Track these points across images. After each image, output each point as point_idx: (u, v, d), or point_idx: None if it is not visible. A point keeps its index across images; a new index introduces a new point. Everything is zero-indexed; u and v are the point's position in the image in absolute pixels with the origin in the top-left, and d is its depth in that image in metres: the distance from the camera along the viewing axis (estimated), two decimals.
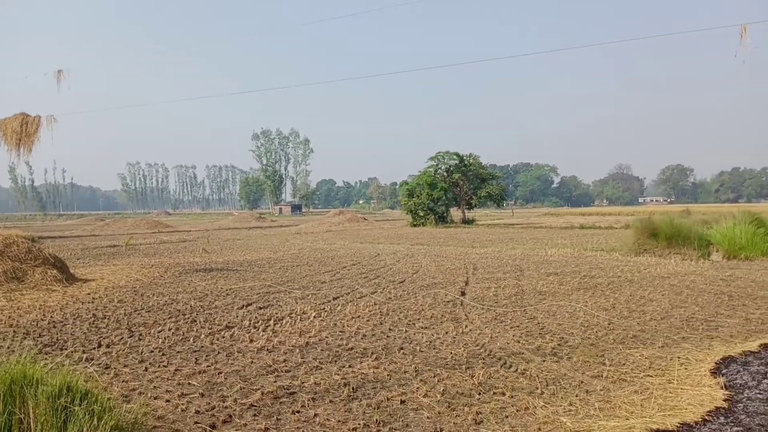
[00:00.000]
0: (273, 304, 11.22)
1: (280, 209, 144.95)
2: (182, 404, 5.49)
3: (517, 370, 6.66)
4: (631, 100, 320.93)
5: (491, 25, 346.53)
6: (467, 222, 53.15)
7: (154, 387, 6.05)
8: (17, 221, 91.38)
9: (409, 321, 9.48)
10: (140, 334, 8.61)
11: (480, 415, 5.23)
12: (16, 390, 4.31)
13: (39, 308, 10.86)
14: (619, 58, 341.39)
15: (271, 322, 9.46)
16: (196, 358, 7.23)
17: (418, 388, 6.00)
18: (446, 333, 8.59)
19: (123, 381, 6.25)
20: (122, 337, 8.40)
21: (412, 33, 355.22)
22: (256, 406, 5.49)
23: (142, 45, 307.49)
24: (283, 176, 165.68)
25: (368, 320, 9.53)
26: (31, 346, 7.71)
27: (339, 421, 5.13)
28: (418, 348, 7.69)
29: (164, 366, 6.88)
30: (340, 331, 8.73)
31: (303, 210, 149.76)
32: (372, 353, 7.41)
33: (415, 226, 50.61)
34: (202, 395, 5.77)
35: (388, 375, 6.47)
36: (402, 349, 7.66)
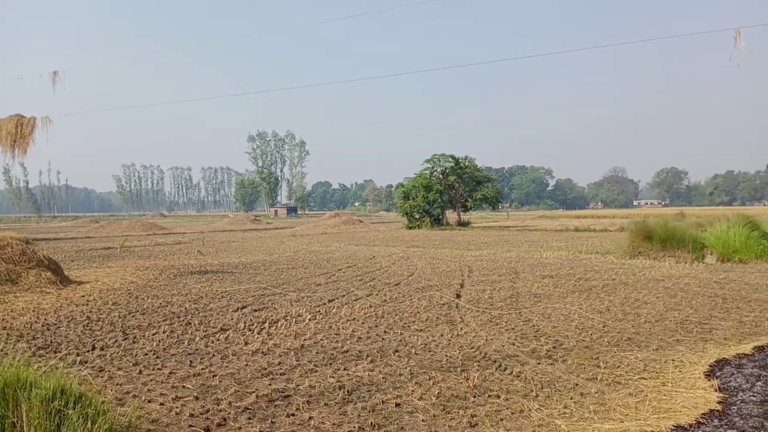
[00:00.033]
0: (268, 306, 11.20)
1: (276, 211, 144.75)
2: (176, 407, 5.47)
3: (512, 372, 6.67)
4: (626, 102, 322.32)
5: (488, 27, 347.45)
6: (463, 224, 53.18)
7: (149, 390, 6.03)
8: (11, 223, 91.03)
9: (405, 323, 9.48)
10: (135, 337, 8.58)
11: (475, 418, 5.23)
12: (9, 393, 4.29)
13: (33, 310, 10.82)
14: (614, 60, 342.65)
15: (266, 324, 9.44)
16: (190, 361, 7.21)
17: (413, 390, 6.00)
18: (441, 335, 8.60)
19: (117, 384, 6.23)
20: (116, 340, 8.37)
21: (409, 35, 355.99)
22: (250, 409, 5.48)
23: (138, 46, 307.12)
24: (279, 178, 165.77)
25: (363, 323, 9.52)
26: (24, 348, 7.69)
27: (334, 424, 5.12)
28: (413, 350, 7.69)
29: (158, 369, 6.86)
30: (336, 334, 8.72)
31: (298, 212, 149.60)
32: (367, 356, 7.41)
33: (410, 228, 50.62)
34: (197, 398, 5.76)
35: (383, 378, 6.47)
36: (397, 351, 7.65)
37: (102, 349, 7.86)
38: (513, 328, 9.03)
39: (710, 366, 6.86)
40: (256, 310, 10.76)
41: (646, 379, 6.40)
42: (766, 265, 17.30)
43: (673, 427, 4.99)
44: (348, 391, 5.96)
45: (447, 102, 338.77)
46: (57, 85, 20.19)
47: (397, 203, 58.13)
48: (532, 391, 5.99)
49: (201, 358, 7.36)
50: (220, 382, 6.33)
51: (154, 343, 8.15)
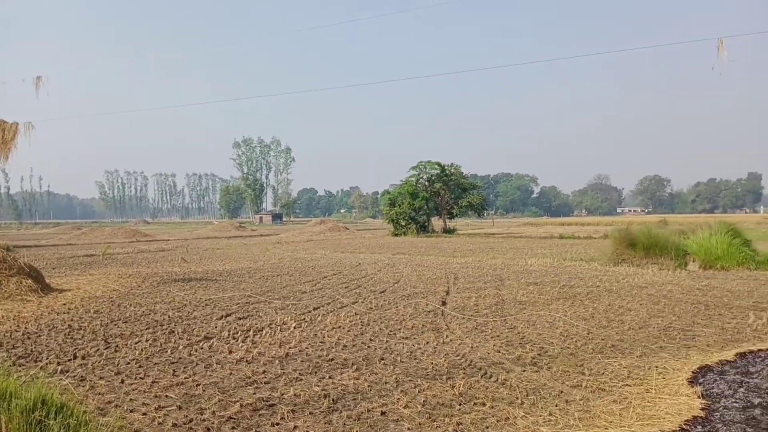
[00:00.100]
0: (252, 314, 11.13)
1: (261, 218, 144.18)
2: (159, 417, 5.41)
3: (497, 380, 6.68)
4: (610, 111, 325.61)
5: (473, 36, 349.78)
6: (448, 231, 53.33)
7: (131, 399, 5.95)
8: None
9: (390, 331, 9.46)
10: (117, 346, 8.47)
11: (461, 426, 5.22)
12: None
13: (13, 319, 10.65)
14: (599, 69, 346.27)
15: (251, 332, 9.37)
16: (173, 370, 7.13)
17: (398, 399, 5.98)
18: (427, 343, 8.59)
19: (99, 393, 6.14)
20: (98, 349, 8.26)
21: (396, 42, 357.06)
22: (234, 418, 5.43)
23: (122, 52, 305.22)
24: (264, 185, 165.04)
25: (349, 330, 9.49)
26: (4, 357, 7.58)
27: None
28: (398, 358, 7.67)
29: (141, 378, 6.78)
30: (321, 342, 8.68)
31: (284, 219, 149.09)
32: (352, 364, 7.38)
33: (396, 235, 50.68)
34: (180, 408, 5.69)
35: (368, 386, 6.44)
36: (383, 359, 7.63)
37: (83, 358, 7.75)
38: (498, 336, 9.04)
39: (693, 372, 6.92)
40: (240, 318, 10.68)
41: (630, 385, 6.44)
42: (748, 272, 17.51)
43: None
44: (333, 400, 5.93)
45: (433, 109, 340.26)
46: (40, 90, 19.99)
47: (383, 210, 58.19)
48: (517, 398, 6.00)
49: (184, 367, 7.29)
50: (204, 391, 6.26)
51: (137, 352, 8.06)
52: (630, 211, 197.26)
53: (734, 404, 5.80)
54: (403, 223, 51.87)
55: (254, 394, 6.14)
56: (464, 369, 7.16)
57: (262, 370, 7.14)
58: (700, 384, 6.45)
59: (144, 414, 5.50)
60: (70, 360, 7.63)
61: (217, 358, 7.72)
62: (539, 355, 7.85)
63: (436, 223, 56.13)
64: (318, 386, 6.41)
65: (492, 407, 5.73)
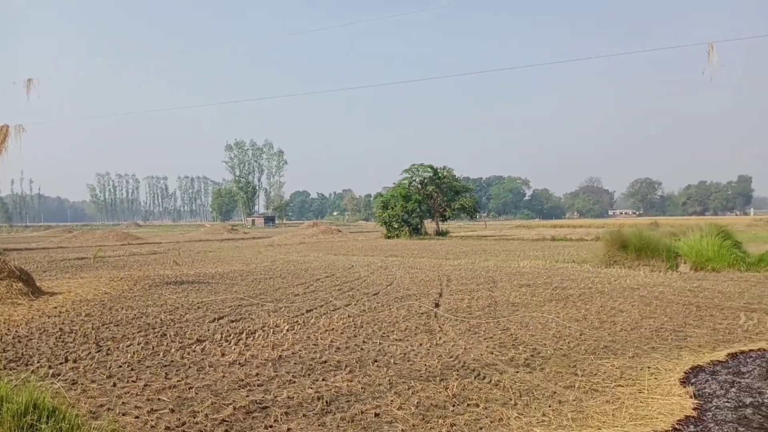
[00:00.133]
0: (245, 317, 11.10)
1: (253, 221, 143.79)
2: (152, 420, 5.38)
3: (490, 381, 6.68)
4: (601, 114, 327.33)
5: (464, 39, 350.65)
6: (441, 234, 53.36)
7: (123, 403, 5.91)
8: None
9: (384, 333, 9.45)
10: (108, 349, 8.43)
11: (454, 427, 5.22)
12: None
13: (4, 322, 10.57)
14: (591, 73, 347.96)
15: (244, 335, 9.35)
16: (166, 373, 7.10)
17: (392, 400, 5.97)
18: (420, 345, 8.59)
19: (90, 397, 6.10)
20: (90, 352, 8.21)
21: (387, 45, 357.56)
22: (227, 421, 5.40)
23: (114, 54, 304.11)
24: (257, 188, 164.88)
25: (342, 333, 9.48)
26: None
27: None
28: (392, 360, 7.67)
29: (133, 381, 6.74)
30: (314, 344, 8.66)
31: (276, 222, 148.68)
32: (346, 366, 7.37)
33: (389, 237, 50.65)
34: (173, 411, 5.66)
35: (362, 388, 6.43)
36: (376, 361, 7.63)
37: (75, 361, 7.71)
38: (491, 337, 9.06)
39: (685, 373, 6.96)
40: (233, 321, 10.64)
41: (622, 386, 6.46)
42: (739, 273, 17.63)
43: None
44: (327, 402, 5.92)
45: (426, 112, 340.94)
46: (31, 92, 19.90)
47: (376, 213, 58.18)
48: (510, 399, 6.01)
49: (177, 370, 7.25)
50: (197, 394, 6.23)
51: (129, 355, 8.01)
52: (621, 213, 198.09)
53: (726, 404, 5.83)
54: (395, 226, 51.85)
55: (247, 396, 6.12)
56: (457, 370, 7.16)
57: (255, 372, 7.12)
58: (692, 384, 6.49)
59: (136, 417, 5.47)
60: (61, 363, 7.59)
61: (209, 361, 7.69)
62: (532, 356, 7.87)
63: (429, 225, 56.16)
64: (311, 388, 6.40)
65: (485, 408, 5.73)
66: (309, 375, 6.99)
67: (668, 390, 6.28)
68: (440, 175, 55.25)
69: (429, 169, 55.14)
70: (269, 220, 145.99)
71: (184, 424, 5.31)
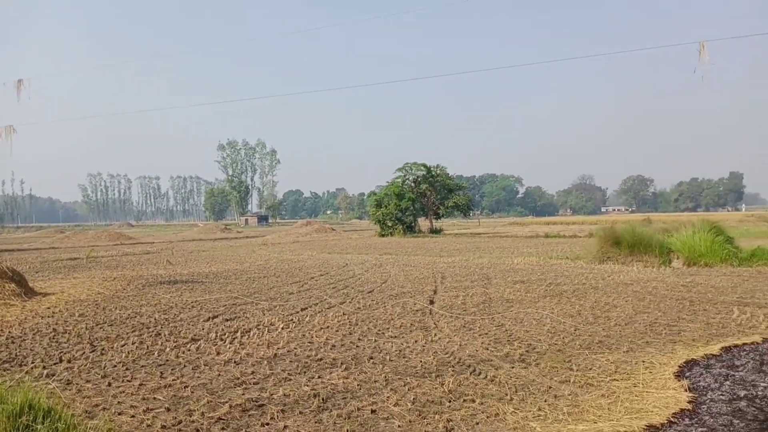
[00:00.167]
0: (240, 315, 11.07)
1: (246, 220, 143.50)
2: (148, 419, 5.36)
3: (486, 377, 6.70)
4: (593, 112, 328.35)
5: (457, 39, 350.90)
6: (435, 232, 53.41)
7: (119, 402, 5.89)
8: None
9: (379, 330, 9.45)
10: (103, 349, 8.39)
11: (451, 423, 5.23)
12: None
13: None
14: (583, 71, 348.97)
15: (238, 334, 9.33)
16: (161, 372, 7.08)
17: (388, 397, 5.98)
18: (416, 342, 8.59)
19: (86, 397, 6.07)
20: (84, 352, 8.17)
21: (379, 44, 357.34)
22: (224, 419, 5.39)
23: (106, 54, 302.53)
24: (250, 187, 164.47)
25: (337, 330, 9.47)
26: None
27: None
28: (387, 357, 7.67)
29: (128, 381, 6.71)
30: (309, 342, 8.65)
31: (270, 221, 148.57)
32: (341, 363, 7.37)
33: (383, 236, 50.66)
34: (168, 410, 5.64)
35: (358, 385, 6.43)
36: (372, 358, 7.63)
37: (69, 361, 7.67)
38: (486, 333, 9.07)
39: (680, 367, 6.99)
40: (227, 320, 10.62)
41: (617, 380, 6.49)
42: (731, 268, 17.73)
43: (645, 427, 5.07)
44: (323, 399, 5.91)
45: (419, 111, 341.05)
46: (21, 93, 19.80)
47: (370, 211, 58.17)
48: (506, 394, 6.02)
49: (172, 369, 7.23)
50: (192, 392, 6.22)
51: (123, 355, 7.98)
52: (614, 210, 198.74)
53: (721, 397, 5.87)
54: (389, 224, 51.88)
55: (243, 394, 6.11)
56: (453, 366, 7.17)
57: (251, 370, 7.11)
58: (686, 378, 6.52)
59: (132, 417, 5.44)
60: (55, 364, 7.55)
61: (204, 360, 7.67)
62: (527, 351, 7.89)
63: (423, 223, 56.21)
64: (307, 386, 6.39)
65: (482, 404, 5.75)
66: (305, 372, 6.98)
67: (663, 384, 6.31)
68: (433, 173, 55.30)
69: (422, 168, 55.17)
70: (262, 219, 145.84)
71: (180, 422, 5.29)
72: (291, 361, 7.54)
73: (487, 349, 8.03)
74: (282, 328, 9.68)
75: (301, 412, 5.55)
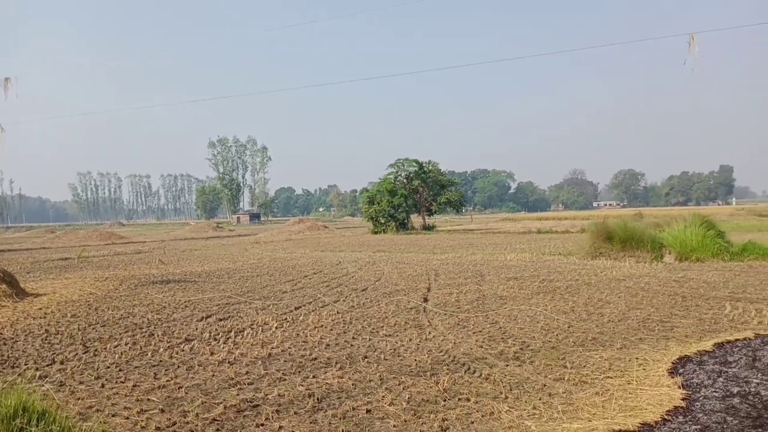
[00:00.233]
0: (233, 315, 11.04)
1: (238, 218, 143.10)
2: (142, 421, 5.33)
3: (481, 375, 6.70)
4: (584, 107, 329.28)
5: (449, 34, 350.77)
6: (427, 228, 53.48)
7: (112, 404, 5.86)
8: None
9: (373, 329, 9.45)
10: (96, 350, 8.34)
11: (446, 422, 5.23)
12: None
13: None
14: (573, 65, 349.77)
15: (232, 333, 9.30)
16: (154, 373, 7.05)
17: (383, 396, 5.97)
18: (410, 340, 8.59)
19: (79, 398, 6.03)
20: (77, 353, 8.13)
21: (368, 41, 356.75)
22: (218, 420, 5.37)
23: (93, 52, 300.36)
24: (241, 185, 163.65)
25: (331, 329, 9.46)
26: None
27: None
28: (382, 356, 7.67)
29: (122, 382, 6.68)
30: (303, 342, 8.64)
31: (262, 219, 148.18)
32: (336, 363, 7.35)
33: (376, 233, 50.68)
34: (162, 411, 5.62)
35: (352, 384, 6.43)
36: (366, 357, 7.62)
37: (62, 362, 7.62)
38: (480, 331, 9.08)
39: (673, 363, 7.02)
40: (221, 320, 10.58)
41: (611, 377, 6.51)
42: (723, 263, 17.83)
43: (639, 425, 5.09)
44: (318, 399, 5.90)
45: (410, 107, 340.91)
46: (9, 92, 19.62)
47: (362, 208, 58.16)
48: (501, 393, 6.03)
49: (165, 370, 7.20)
50: (186, 393, 6.19)
51: (116, 356, 7.94)
52: (606, 204, 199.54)
53: (714, 394, 5.90)
54: (382, 221, 51.90)
55: (238, 395, 6.08)
56: (448, 365, 7.18)
57: (245, 371, 7.08)
58: (680, 374, 6.55)
59: (126, 418, 5.42)
60: (48, 365, 7.50)
61: (198, 360, 7.64)
62: (521, 349, 7.91)
63: (416, 220, 56.28)
64: (302, 386, 6.38)
65: (476, 402, 5.75)
66: (299, 372, 6.97)
67: (656, 381, 6.34)
68: (426, 169, 55.36)
69: (414, 164, 55.22)
70: (254, 217, 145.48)
71: (174, 424, 5.27)
72: (285, 361, 7.52)
73: (482, 347, 8.04)
74: (276, 328, 9.66)
75: (296, 413, 5.54)
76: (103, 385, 6.52)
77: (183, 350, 8.24)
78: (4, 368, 7.37)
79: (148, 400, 5.98)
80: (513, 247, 27.97)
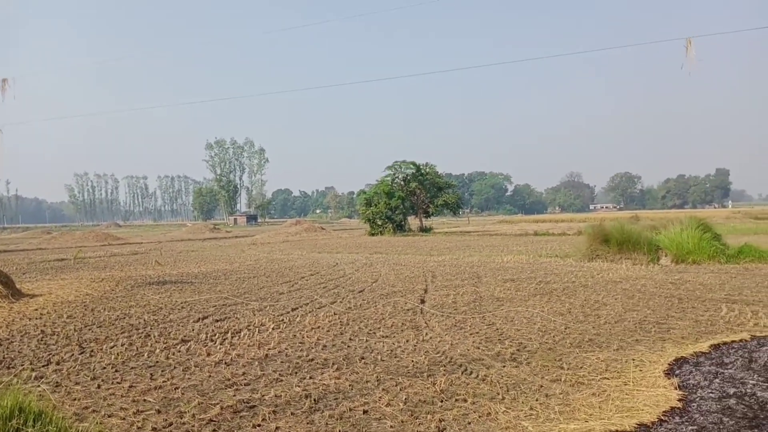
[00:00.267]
0: (230, 316, 11.02)
1: (235, 220, 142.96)
2: (138, 422, 5.32)
3: (478, 376, 6.70)
4: (582, 110, 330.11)
5: (446, 36, 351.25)
6: (425, 230, 53.48)
7: (108, 405, 5.84)
8: None
9: (370, 330, 9.44)
10: (92, 351, 8.32)
11: (443, 423, 5.23)
12: None
13: None
14: (572, 70, 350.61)
15: (229, 334, 9.28)
16: (151, 374, 7.03)
17: (380, 397, 5.97)
18: (407, 341, 8.59)
19: (75, 399, 6.01)
20: (73, 354, 8.10)
21: (368, 43, 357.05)
22: (215, 421, 5.36)
23: (90, 53, 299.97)
24: (238, 186, 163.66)
25: (328, 330, 9.45)
26: None
27: None
28: (379, 357, 7.66)
29: (118, 383, 6.66)
30: (300, 343, 8.63)
31: (259, 220, 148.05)
32: (333, 364, 7.35)
33: (373, 235, 50.66)
34: (159, 412, 5.61)
35: (349, 385, 6.42)
36: (363, 358, 7.62)
37: (58, 363, 7.60)
38: (477, 332, 9.09)
39: (669, 365, 7.04)
40: (217, 321, 10.56)
41: (608, 378, 6.52)
42: (719, 265, 17.87)
43: (636, 426, 5.09)
44: (314, 400, 5.90)
45: (408, 109, 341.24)
46: (6, 93, 19.58)
47: (360, 210, 58.17)
48: (498, 394, 6.03)
49: (162, 371, 7.18)
50: (183, 394, 6.18)
51: (113, 357, 7.92)
52: (602, 207, 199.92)
53: (710, 395, 5.91)
54: (379, 223, 51.89)
55: (234, 396, 6.08)
56: (445, 366, 7.18)
57: (242, 371, 7.07)
58: (676, 376, 6.56)
59: (122, 419, 5.40)
60: (44, 366, 7.48)
61: (195, 361, 7.63)
62: (518, 350, 7.91)
63: (413, 222, 56.28)
64: (299, 387, 6.37)
65: (473, 403, 5.75)
66: (296, 373, 6.96)
67: (653, 382, 6.35)
68: (423, 171, 55.37)
69: (412, 166, 55.22)
70: (251, 218, 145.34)
71: (171, 424, 5.26)
72: (282, 362, 7.51)
73: (479, 348, 8.04)
74: (273, 329, 9.65)
75: (292, 413, 5.53)
76: (99, 386, 6.51)
77: (179, 351, 8.22)
78: (0, 369, 7.35)
79: (145, 400, 5.97)
80: (510, 249, 27.99)
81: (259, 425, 5.23)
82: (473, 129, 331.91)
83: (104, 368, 7.33)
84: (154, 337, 9.21)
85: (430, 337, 8.81)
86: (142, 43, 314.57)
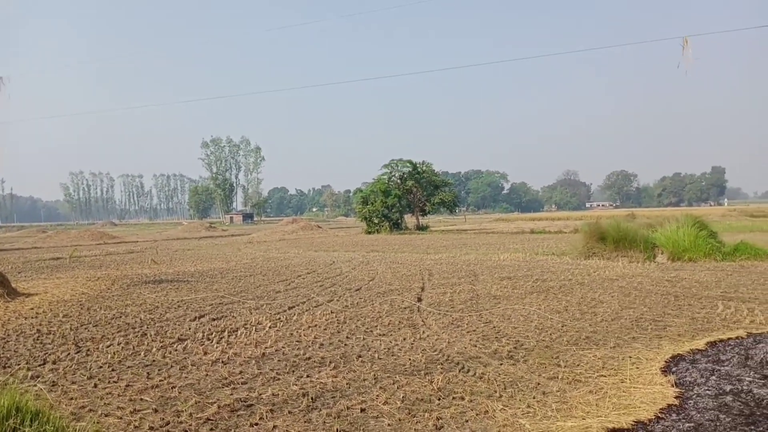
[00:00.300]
0: (227, 315, 11.00)
1: (231, 218, 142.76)
2: (135, 421, 5.31)
3: (475, 374, 6.71)
4: (578, 109, 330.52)
5: (442, 35, 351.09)
6: (421, 228, 53.51)
7: (105, 404, 5.83)
8: None
9: (367, 328, 9.44)
10: (88, 350, 8.30)
11: (440, 421, 5.23)
12: None
13: None
14: (568, 69, 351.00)
15: (226, 333, 9.27)
16: (147, 373, 7.01)
17: (377, 395, 5.97)
18: (404, 339, 8.59)
19: (72, 399, 5.99)
20: (69, 353, 8.08)
21: (365, 42, 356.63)
22: (212, 420, 5.35)
23: (86, 52, 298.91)
24: (234, 184, 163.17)
25: (325, 329, 9.45)
26: None
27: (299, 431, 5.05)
28: (376, 355, 7.66)
29: (114, 382, 6.64)
30: (297, 341, 8.62)
31: (255, 219, 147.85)
32: (330, 362, 7.34)
33: (369, 233, 50.67)
34: (156, 411, 5.59)
35: (347, 383, 6.42)
36: (360, 356, 7.61)
37: (54, 363, 7.58)
38: (474, 330, 9.09)
39: (666, 362, 7.05)
40: (214, 319, 10.55)
41: (605, 376, 6.53)
42: (715, 263, 17.92)
43: (633, 423, 5.10)
44: (312, 398, 5.89)
45: (405, 108, 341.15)
46: (2, 91, 19.46)
47: (356, 208, 58.20)
48: (495, 391, 6.04)
49: (159, 370, 7.17)
50: (180, 393, 6.17)
51: (109, 356, 7.90)
52: (598, 205, 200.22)
53: (707, 392, 5.93)
54: (376, 221, 51.92)
55: (231, 394, 6.07)
56: (442, 364, 7.18)
57: (239, 370, 7.06)
58: (673, 373, 6.58)
59: (119, 418, 5.39)
60: (40, 365, 7.45)
61: (192, 360, 7.61)
62: (515, 348, 7.92)
63: (409, 220, 56.34)
64: (296, 385, 6.36)
65: (471, 401, 5.75)
66: (293, 372, 6.95)
67: (650, 379, 6.36)
68: (419, 169, 55.42)
69: (408, 164, 55.28)
70: (248, 217, 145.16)
71: (168, 423, 5.25)
72: (279, 361, 7.50)
73: (476, 346, 8.04)
74: (269, 327, 9.64)
75: (290, 412, 5.53)
76: (95, 385, 6.49)
77: (176, 350, 8.20)
78: None
79: (141, 399, 5.96)
80: (506, 247, 28.02)
81: (256, 424, 5.23)
82: (470, 128, 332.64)
83: (101, 367, 7.31)
84: (151, 336, 9.19)
85: (427, 335, 8.81)
86: (139, 41, 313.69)
